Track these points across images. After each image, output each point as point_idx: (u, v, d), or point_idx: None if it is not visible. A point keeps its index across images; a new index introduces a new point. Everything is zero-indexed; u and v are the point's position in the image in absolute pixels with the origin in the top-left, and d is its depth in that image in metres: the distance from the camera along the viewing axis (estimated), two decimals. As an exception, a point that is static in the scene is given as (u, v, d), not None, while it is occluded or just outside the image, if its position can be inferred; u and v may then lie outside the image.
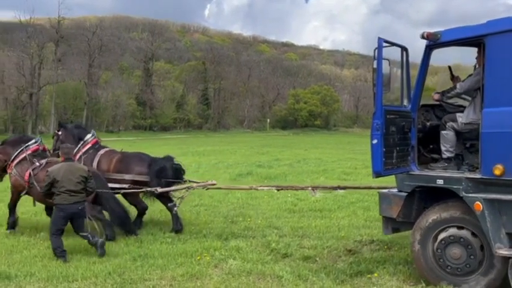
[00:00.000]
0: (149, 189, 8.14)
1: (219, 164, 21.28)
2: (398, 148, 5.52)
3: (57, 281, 5.82)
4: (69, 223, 7.00)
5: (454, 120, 5.68)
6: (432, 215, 5.46)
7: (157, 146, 33.50)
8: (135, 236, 7.90)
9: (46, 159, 8.23)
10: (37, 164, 8.07)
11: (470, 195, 5.08)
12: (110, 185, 8.20)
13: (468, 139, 5.71)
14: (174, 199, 8.48)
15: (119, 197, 8.51)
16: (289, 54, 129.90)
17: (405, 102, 5.85)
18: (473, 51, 5.81)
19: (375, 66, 5.21)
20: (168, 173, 8.41)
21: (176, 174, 8.61)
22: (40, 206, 8.69)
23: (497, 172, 4.90)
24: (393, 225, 6.01)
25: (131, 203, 8.80)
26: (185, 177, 8.87)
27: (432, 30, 5.48)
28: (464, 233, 5.25)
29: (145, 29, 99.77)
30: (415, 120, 5.77)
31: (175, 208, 8.14)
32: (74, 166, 7.06)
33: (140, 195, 8.71)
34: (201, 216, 9.68)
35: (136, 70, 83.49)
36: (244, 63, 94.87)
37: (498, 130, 4.94)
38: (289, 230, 8.37)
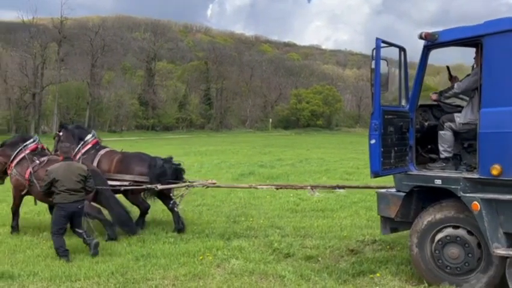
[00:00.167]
0: (149, 186, 8.19)
1: (221, 163, 21.30)
2: (396, 148, 5.54)
3: (60, 281, 5.85)
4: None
5: (452, 120, 5.70)
6: (427, 217, 5.50)
7: (159, 146, 33.54)
8: (135, 235, 7.92)
9: (47, 157, 8.29)
10: (37, 161, 8.13)
11: (468, 195, 5.11)
12: (111, 183, 8.25)
13: (466, 139, 5.72)
14: (174, 198, 8.51)
15: (121, 197, 8.56)
16: (292, 54, 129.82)
17: (403, 103, 5.87)
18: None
19: (373, 66, 5.25)
20: (168, 172, 8.45)
21: (176, 174, 8.66)
22: (43, 206, 8.73)
23: (494, 172, 4.92)
24: (391, 225, 6.04)
25: (133, 203, 8.84)
26: (186, 177, 8.95)
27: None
28: (460, 232, 5.28)
29: (148, 29, 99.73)
30: (413, 120, 5.80)
31: (176, 207, 8.19)
32: (74, 165, 7.10)
33: (142, 195, 8.74)
34: (204, 216, 9.69)
35: (139, 70, 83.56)
36: (247, 63, 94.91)
37: (496, 130, 4.96)
38: (291, 229, 8.38)
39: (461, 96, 5.96)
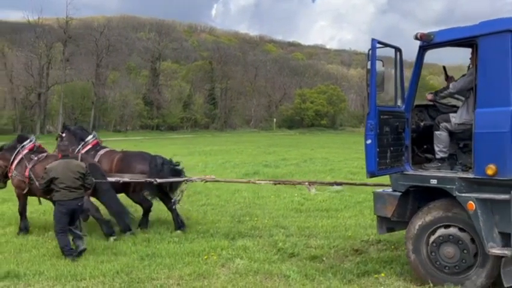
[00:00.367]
0: (148, 179, 8.25)
1: (225, 163, 21.31)
2: (392, 148, 5.58)
3: (65, 280, 5.90)
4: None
5: (447, 120, 5.73)
6: (418, 221, 5.55)
7: (164, 146, 33.61)
8: (130, 233, 8.01)
9: (45, 154, 8.48)
10: (35, 158, 8.29)
11: (463, 194, 5.14)
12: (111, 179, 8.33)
13: (461, 139, 5.76)
14: (174, 197, 8.59)
15: (122, 197, 8.61)
16: (296, 53, 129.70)
17: (399, 103, 5.90)
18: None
19: (369, 67, 5.28)
20: (167, 171, 8.53)
21: (176, 174, 8.73)
22: (48, 206, 8.75)
23: (489, 172, 4.94)
24: (387, 224, 6.08)
25: (135, 202, 8.92)
26: (188, 175, 9.04)
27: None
28: (452, 230, 5.33)
29: (152, 29, 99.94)
30: (409, 120, 5.83)
31: (176, 204, 8.35)
32: (72, 163, 7.16)
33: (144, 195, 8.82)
34: (208, 216, 9.71)
35: (143, 70, 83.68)
36: (251, 62, 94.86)
37: (491, 130, 4.98)
38: (296, 229, 8.39)
39: (456, 96, 6.01)
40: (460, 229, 5.28)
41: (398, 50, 5.73)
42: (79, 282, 5.85)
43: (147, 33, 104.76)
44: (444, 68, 6.31)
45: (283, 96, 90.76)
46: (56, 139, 9.64)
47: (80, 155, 8.30)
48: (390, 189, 5.99)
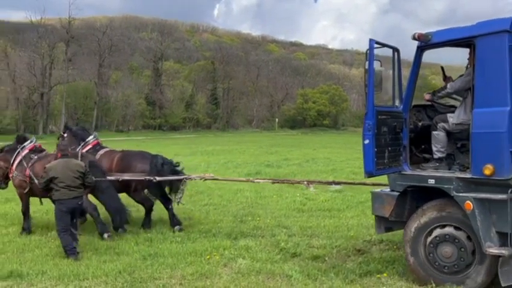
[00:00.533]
0: (147, 177, 8.27)
1: (228, 163, 21.32)
2: (389, 148, 5.60)
3: (68, 280, 5.93)
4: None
5: (445, 120, 5.75)
6: (414, 224, 5.57)
7: (166, 146, 33.64)
8: (121, 231, 8.12)
9: (44, 153, 8.58)
10: (35, 157, 8.38)
11: (460, 194, 5.16)
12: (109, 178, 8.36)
13: (459, 139, 5.76)
14: (173, 198, 8.65)
15: (124, 197, 8.63)
16: (298, 53, 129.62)
17: (397, 103, 5.91)
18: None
19: (366, 67, 5.30)
20: (166, 170, 8.57)
21: (176, 175, 8.74)
22: (50, 205, 8.77)
23: (487, 172, 4.96)
24: (386, 224, 6.10)
25: (137, 201, 8.95)
26: (188, 173, 9.09)
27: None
28: (447, 229, 5.35)
29: (155, 29, 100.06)
30: (407, 120, 5.85)
31: (177, 204, 8.48)
32: (72, 162, 7.21)
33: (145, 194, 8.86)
34: (210, 216, 9.73)
35: (146, 70, 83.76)
36: (253, 62, 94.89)
37: (488, 130, 5.00)
38: (298, 229, 8.40)
39: (454, 96, 6.04)
40: (456, 228, 5.30)
41: (396, 50, 5.74)
42: (81, 281, 5.88)
43: (149, 33, 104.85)
44: (442, 68, 6.34)
45: (286, 96, 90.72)
46: (58, 139, 9.70)
47: (80, 153, 8.33)
48: (388, 189, 6.02)
